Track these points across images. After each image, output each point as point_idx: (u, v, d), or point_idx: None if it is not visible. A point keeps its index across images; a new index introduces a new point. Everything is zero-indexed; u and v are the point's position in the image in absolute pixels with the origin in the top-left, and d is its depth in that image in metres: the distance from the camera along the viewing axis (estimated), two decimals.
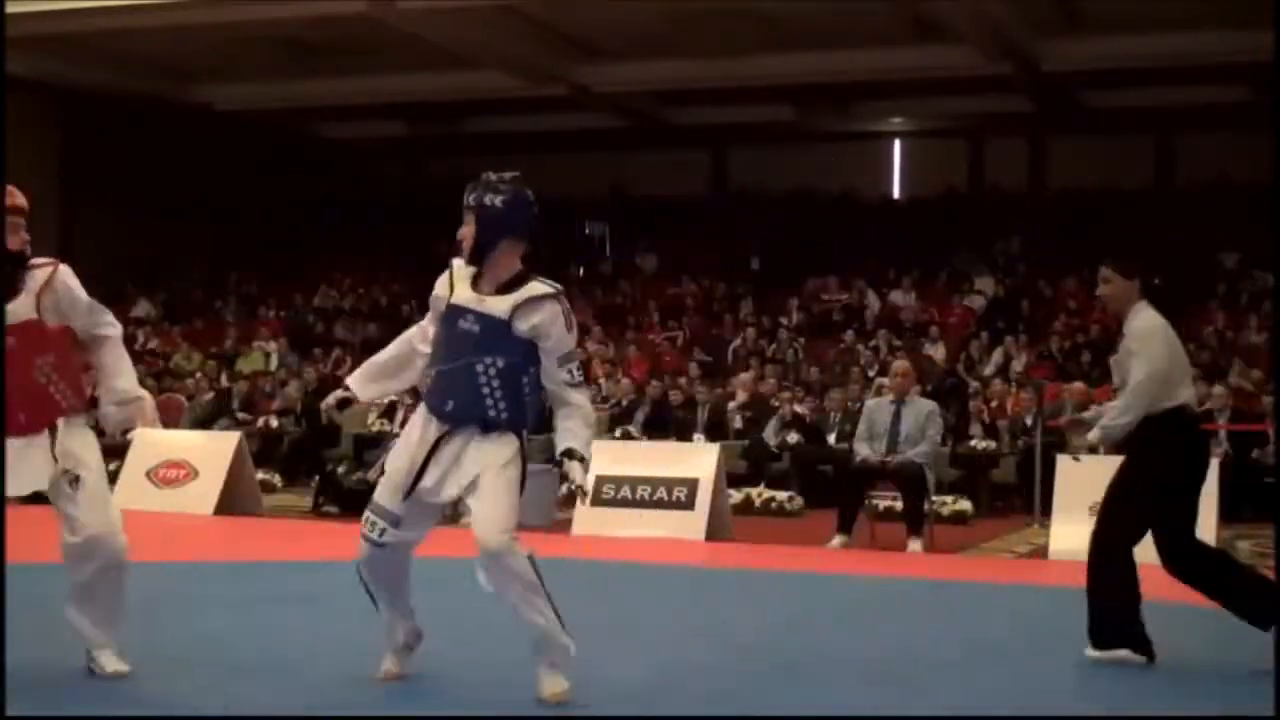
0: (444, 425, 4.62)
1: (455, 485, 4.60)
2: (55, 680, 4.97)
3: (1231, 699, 5.03)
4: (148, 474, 12.37)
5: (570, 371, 4.67)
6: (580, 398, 4.71)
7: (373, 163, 26.64)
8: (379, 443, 13.33)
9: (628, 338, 19.91)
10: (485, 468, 4.57)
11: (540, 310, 4.61)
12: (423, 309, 18.63)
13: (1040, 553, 9.97)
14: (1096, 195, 21.89)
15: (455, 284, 4.71)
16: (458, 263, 4.74)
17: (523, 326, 4.61)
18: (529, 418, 4.72)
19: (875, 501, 10.62)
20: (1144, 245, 20.51)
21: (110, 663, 4.88)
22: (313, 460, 14.48)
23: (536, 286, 4.65)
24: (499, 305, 4.61)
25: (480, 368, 4.58)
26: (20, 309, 4.76)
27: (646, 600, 7.58)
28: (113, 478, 12.89)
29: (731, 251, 22.74)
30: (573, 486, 4.74)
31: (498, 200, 4.65)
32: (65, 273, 4.89)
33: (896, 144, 25.14)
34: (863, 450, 10.22)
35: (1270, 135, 16.81)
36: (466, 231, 4.66)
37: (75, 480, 4.78)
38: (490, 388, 4.57)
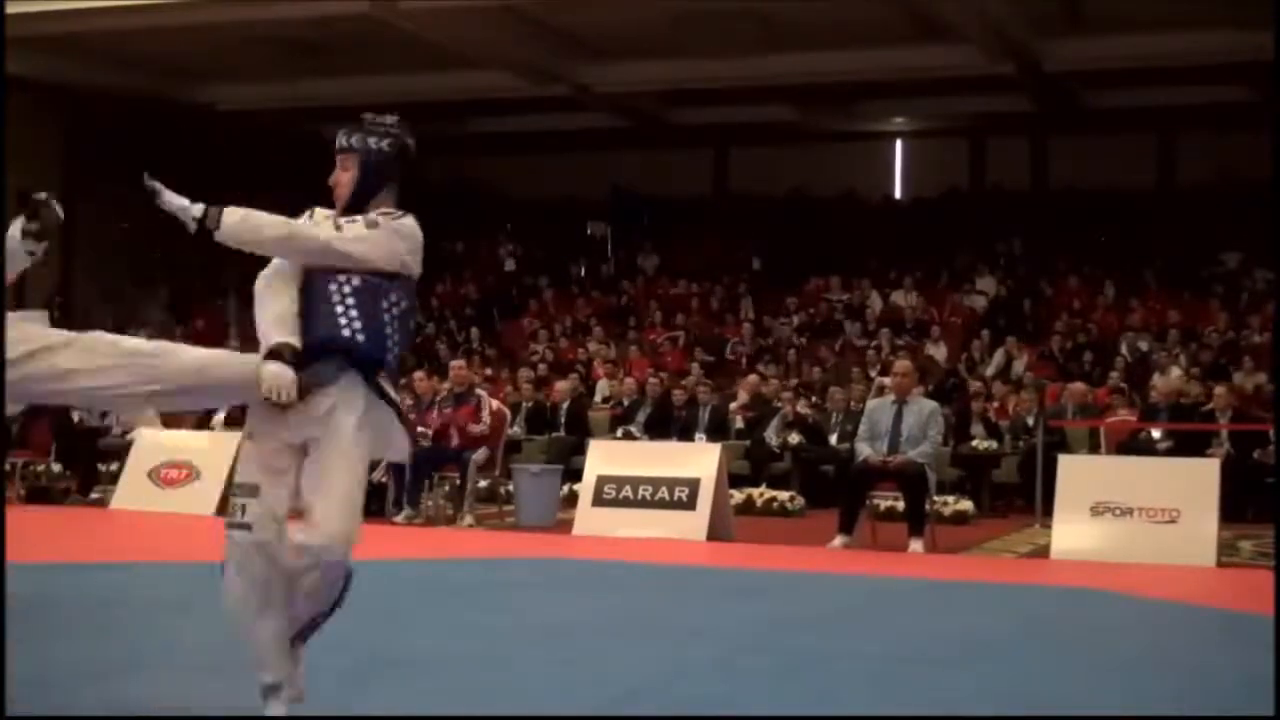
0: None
1: None
2: (55, 680, 4.97)
3: (1231, 699, 5.03)
4: (149, 474, 12.40)
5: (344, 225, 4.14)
6: (312, 229, 4.12)
7: None
8: None
9: (629, 338, 19.93)
10: None
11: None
12: (423, 308, 18.70)
13: (1042, 553, 9.97)
14: (1098, 195, 21.89)
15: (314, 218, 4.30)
16: (319, 210, 4.30)
17: None
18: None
19: (876, 501, 10.63)
20: (1145, 244, 20.58)
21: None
22: None
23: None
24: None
25: (332, 287, 4.11)
26: None
27: (647, 600, 7.58)
28: (114, 478, 12.98)
29: (733, 251, 22.75)
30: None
31: (384, 144, 4.32)
32: None
33: (898, 144, 25.14)
34: (864, 450, 10.22)
35: (1271, 134, 16.83)
36: (344, 177, 4.25)
37: None
38: (346, 309, 4.11)
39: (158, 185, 4.02)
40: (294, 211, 4.23)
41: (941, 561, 9.59)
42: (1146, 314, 18.52)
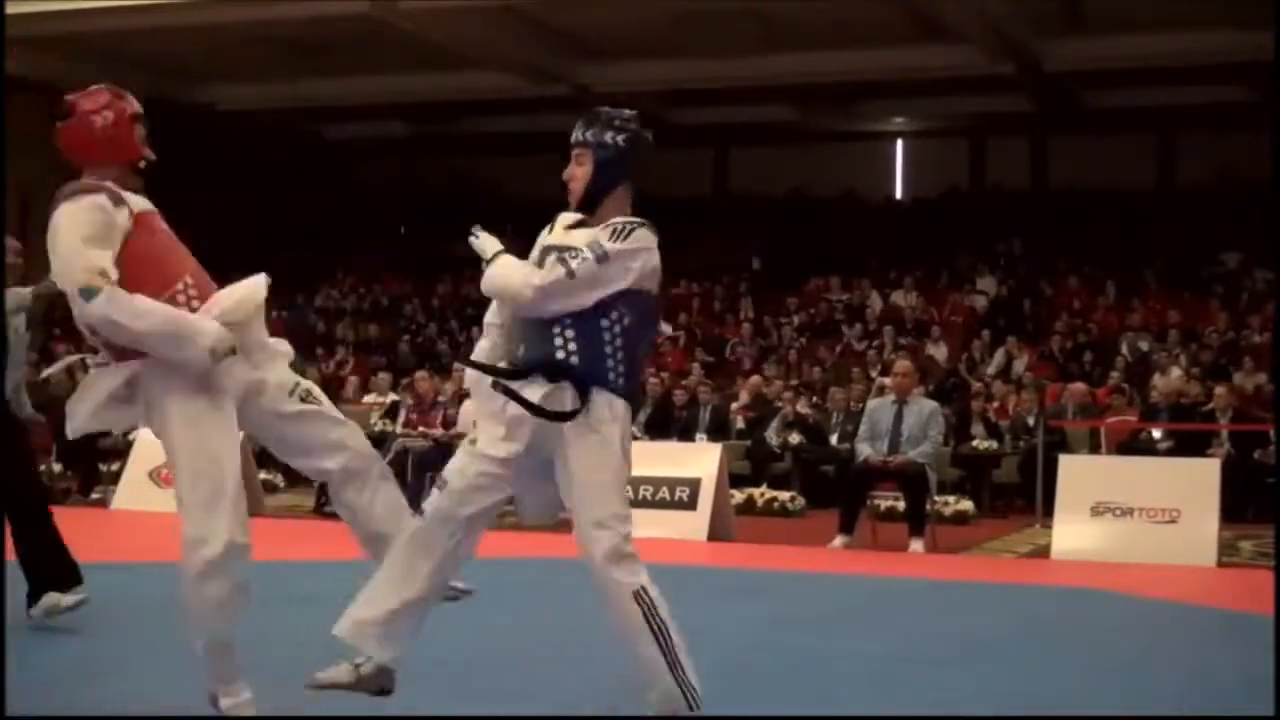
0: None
1: None
2: (55, 680, 4.97)
3: (1231, 699, 5.03)
4: (150, 474, 12.39)
5: (569, 256, 3.94)
6: (546, 273, 3.95)
7: (373, 163, 26.66)
8: (382, 443, 13.34)
9: None
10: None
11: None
12: (425, 308, 18.75)
13: (1042, 553, 9.97)
14: (1098, 195, 21.91)
15: (554, 230, 4.19)
16: (563, 215, 4.20)
17: None
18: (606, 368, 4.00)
19: (877, 501, 10.63)
20: (1146, 244, 20.58)
21: None
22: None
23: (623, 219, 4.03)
24: (581, 238, 4.05)
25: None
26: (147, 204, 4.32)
27: None
28: (115, 478, 12.98)
29: (733, 251, 22.75)
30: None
31: (620, 139, 4.08)
32: None
33: (899, 144, 25.15)
34: (864, 450, 10.22)
35: (1271, 134, 16.82)
36: (578, 172, 4.09)
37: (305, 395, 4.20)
38: (562, 326, 4.00)
39: (478, 231, 4.09)
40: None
41: (942, 562, 9.59)
42: (1147, 314, 18.53)
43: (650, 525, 10.45)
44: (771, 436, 14.56)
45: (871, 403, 11.21)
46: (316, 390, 4.27)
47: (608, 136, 4.07)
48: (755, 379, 16.34)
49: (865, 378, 16.08)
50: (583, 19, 18.57)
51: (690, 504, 10.55)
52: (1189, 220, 20.84)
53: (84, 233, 3.88)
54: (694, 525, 10.43)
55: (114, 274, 3.85)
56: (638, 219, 4.05)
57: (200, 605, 3.95)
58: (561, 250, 4.01)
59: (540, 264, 4.06)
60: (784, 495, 13.02)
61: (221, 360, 3.89)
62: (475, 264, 4.23)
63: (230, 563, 3.92)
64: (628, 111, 4.18)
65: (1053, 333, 18.19)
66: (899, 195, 25.02)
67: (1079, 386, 15.01)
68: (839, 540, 10.01)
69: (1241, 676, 5.36)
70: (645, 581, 3.99)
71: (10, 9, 14.95)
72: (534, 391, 3.93)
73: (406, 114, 23.96)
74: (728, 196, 25.16)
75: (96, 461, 13.81)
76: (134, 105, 4.27)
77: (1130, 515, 9.62)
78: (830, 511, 10.92)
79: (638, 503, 10.70)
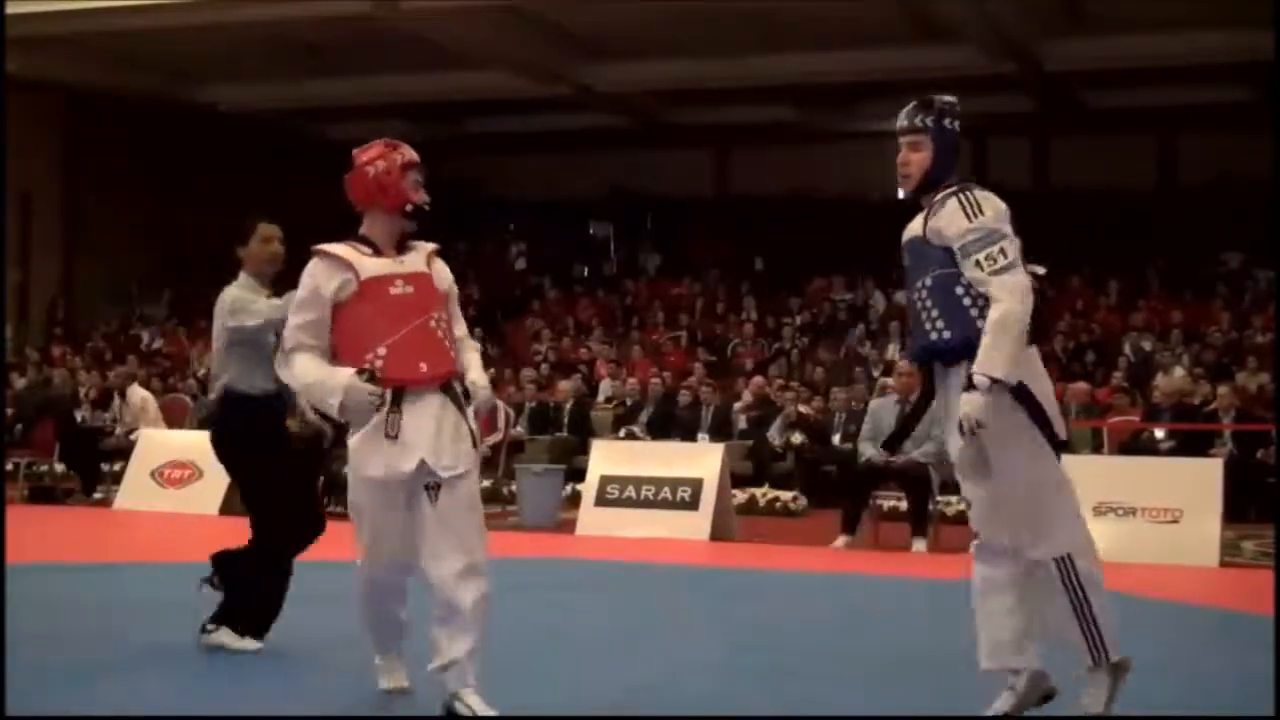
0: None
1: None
2: (55, 680, 4.97)
3: (1231, 699, 5.03)
4: (153, 474, 12.41)
5: (979, 262, 3.97)
6: (999, 292, 3.93)
7: None
8: None
9: (632, 338, 19.93)
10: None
11: (940, 211, 4.10)
12: None
13: None
14: (1099, 195, 21.89)
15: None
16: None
17: (933, 235, 4.10)
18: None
19: (879, 502, 10.62)
20: (1147, 245, 20.57)
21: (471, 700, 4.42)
22: (317, 460, 14.46)
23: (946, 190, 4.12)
24: (916, 225, 4.21)
25: (915, 296, 4.14)
26: (414, 262, 4.63)
27: (650, 600, 7.58)
28: (117, 478, 12.99)
29: (735, 252, 22.75)
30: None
31: (955, 124, 4.16)
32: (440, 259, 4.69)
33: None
34: (867, 450, 10.22)
35: (1271, 134, 16.83)
36: (914, 158, 4.19)
37: (436, 489, 4.42)
38: (927, 311, 4.08)
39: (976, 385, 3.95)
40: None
41: (944, 561, 9.57)
42: (1149, 314, 18.52)
43: (652, 525, 10.50)
44: (774, 436, 14.56)
45: (874, 403, 11.20)
46: (458, 493, 4.52)
47: (946, 122, 4.15)
48: (758, 379, 16.35)
49: (868, 378, 16.07)
50: (583, 19, 18.57)
51: (692, 504, 10.55)
52: (1190, 220, 20.83)
53: (300, 295, 4.47)
54: (696, 525, 10.43)
55: (304, 339, 4.40)
56: (958, 183, 4.13)
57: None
58: (924, 246, 4.14)
59: (905, 257, 4.25)
60: (786, 495, 13.03)
61: (360, 412, 4.29)
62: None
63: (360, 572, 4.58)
64: (950, 97, 4.21)
65: (1055, 332, 18.18)
66: (900, 195, 24.95)
67: (1081, 386, 15.00)
68: (841, 540, 10.02)
69: (1241, 677, 5.36)
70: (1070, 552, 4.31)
71: (10, 9, 14.95)
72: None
73: (407, 114, 23.93)
74: (728, 196, 25.16)
75: (99, 461, 13.83)
76: (407, 155, 4.60)
77: (1132, 515, 9.61)
78: (833, 511, 10.92)
79: (640, 502, 10.74)
